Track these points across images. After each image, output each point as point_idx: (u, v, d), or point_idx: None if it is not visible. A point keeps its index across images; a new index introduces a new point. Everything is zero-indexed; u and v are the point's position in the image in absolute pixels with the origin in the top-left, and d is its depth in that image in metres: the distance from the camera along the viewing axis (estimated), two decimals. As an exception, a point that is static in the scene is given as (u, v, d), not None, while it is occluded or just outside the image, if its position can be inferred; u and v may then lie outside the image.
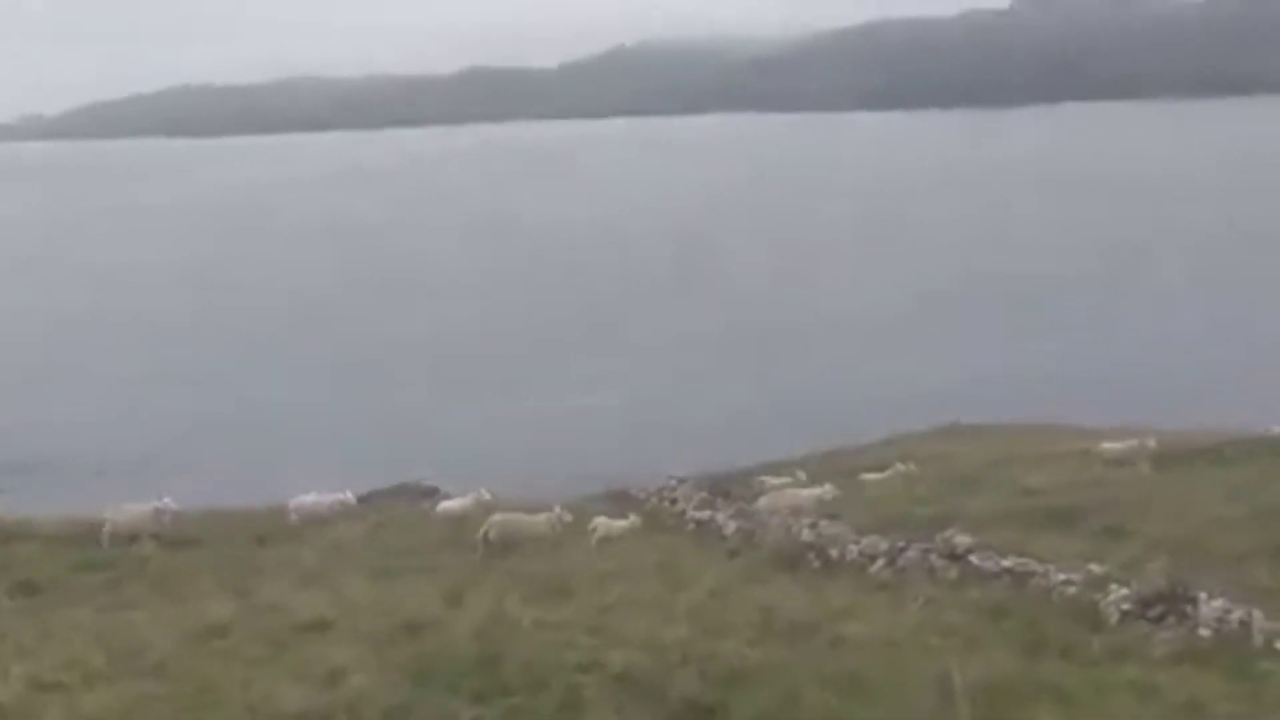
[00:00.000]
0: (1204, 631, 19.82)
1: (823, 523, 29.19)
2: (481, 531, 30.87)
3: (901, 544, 26.49)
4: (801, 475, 40.15)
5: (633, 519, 32.65)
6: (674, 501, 35.95)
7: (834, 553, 27.25)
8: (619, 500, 37.30)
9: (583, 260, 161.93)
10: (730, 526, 31.35)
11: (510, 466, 59.36)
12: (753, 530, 30.42)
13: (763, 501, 34.43)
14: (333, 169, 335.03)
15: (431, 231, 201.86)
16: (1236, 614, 19.79)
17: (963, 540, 25.49)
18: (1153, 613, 20.69)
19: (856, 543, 27.31)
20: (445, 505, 35.03)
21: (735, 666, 19.33)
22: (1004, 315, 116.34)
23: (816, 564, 27.03)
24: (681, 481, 38.29)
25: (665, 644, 20.39)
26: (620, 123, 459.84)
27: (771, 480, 39.43)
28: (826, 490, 34.41)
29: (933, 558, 25.51)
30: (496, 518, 31.61)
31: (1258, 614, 19.65)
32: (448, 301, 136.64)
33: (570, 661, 19.71)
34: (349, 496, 36.43)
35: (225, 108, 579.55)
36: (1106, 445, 39.67)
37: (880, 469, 41.17)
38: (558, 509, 32.56)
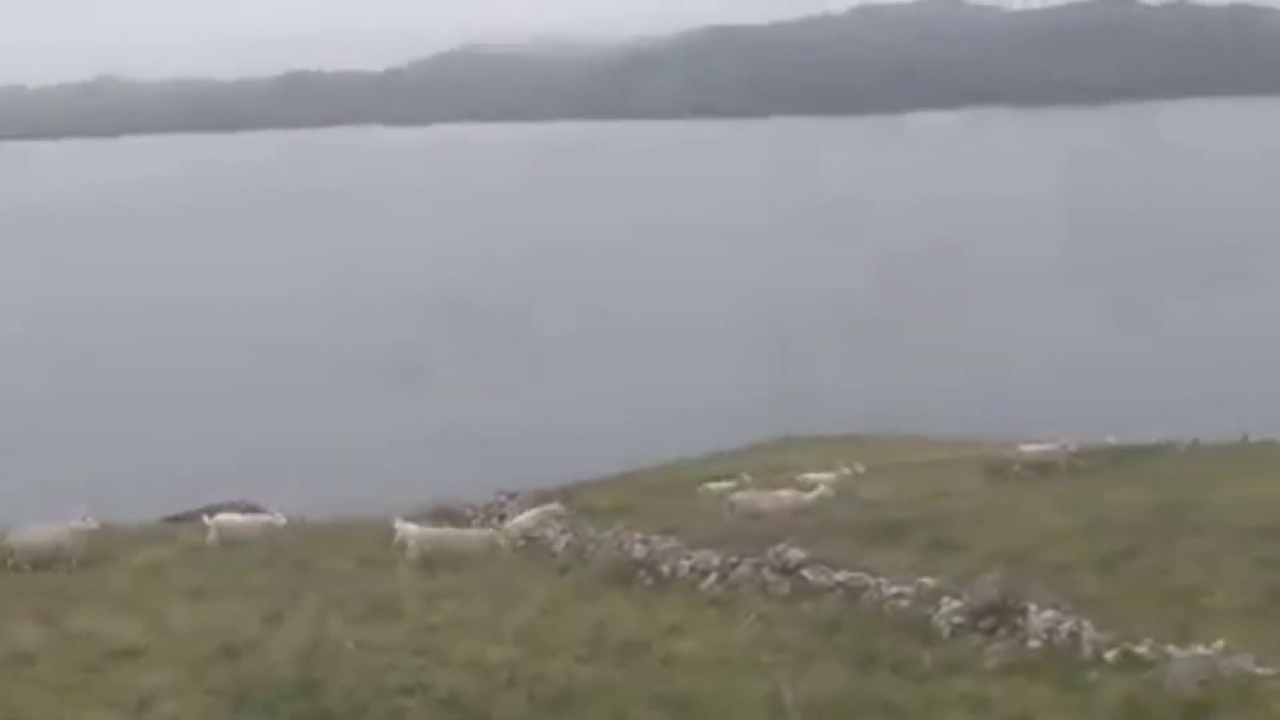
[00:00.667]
0: (1034, 643, 19.80)
1: (654, 538, 28.82)
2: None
3: (734, 559, 26.20)
4: (747, 478, 39.19)
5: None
6: (503, 518, 35.35)
7: (666, 568, 26.88)
8: (446, 517, 36.58)
9: (370, 283, 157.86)
10: (560, 543, 30.87)
11: (330, 483, 58.48)
12: (583, 546, 29.96)
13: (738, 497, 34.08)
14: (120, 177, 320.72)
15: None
16: (1066, 625, 19.80)
17: (795, 554, 25.27)
18: (984, 625, 20.64)
19: (688, 558, 26.96)
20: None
21: (564, 687, 18.96)
22: (831, 328, 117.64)
23: (648, 580, 26.64)
24: (511, 497, 37.69)
25: (492, 665, 19.95)
26: (445, 129, 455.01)
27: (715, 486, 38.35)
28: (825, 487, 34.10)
29: (765, 572, 25.26)
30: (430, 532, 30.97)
31: (1087, 624, 19.69)
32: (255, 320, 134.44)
33: (393, 684, 19.18)
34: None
35: (41, 111, 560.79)
36: (1026, 448, 40.17)
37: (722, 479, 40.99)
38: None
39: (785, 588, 24.51)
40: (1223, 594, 21.90)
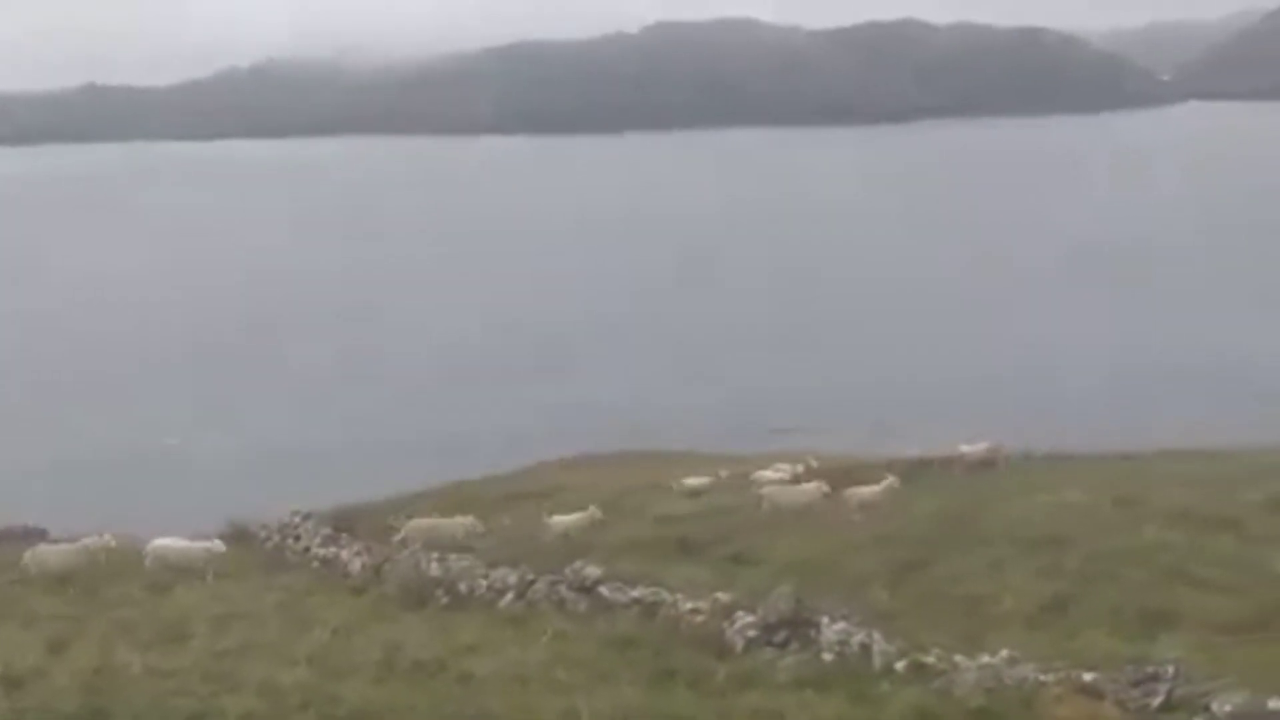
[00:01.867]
0: (827, 655, 20.04)
1: (451, 557, 28.63)
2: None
3: (531, 577, 26.14)
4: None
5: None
6: (297, 538, 34.80)
7: (463, 587, 26.73)
8: (239, 539, 35.88)
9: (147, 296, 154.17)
10: (356, 563, 30.48)
11: (120, 504, 57.09)
12: (379, 566, 29.62)
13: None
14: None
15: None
16: (858, 637, 20.07)
17: (592, 571, 25.28)
18: (778, 638, 20.84)
19: (486, 576, 26.84)
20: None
21: (357, 708, 18.71)
22: (623, 345, 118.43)
23: (445, 599, 26.45)
24: (306, 517, 37.09)
25: (284, 688, 19.58)
26: (232, 145, 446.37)
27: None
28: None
29: (563, 589, 25.24)
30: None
31: (878, 636, 19.98)
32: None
33: (183, 710, 18.77)
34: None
35: None
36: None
37: (512, 501, 40.98)
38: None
39: (583, 605, 24.51)
40: (1008, 602, 22.43)
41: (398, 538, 33.21)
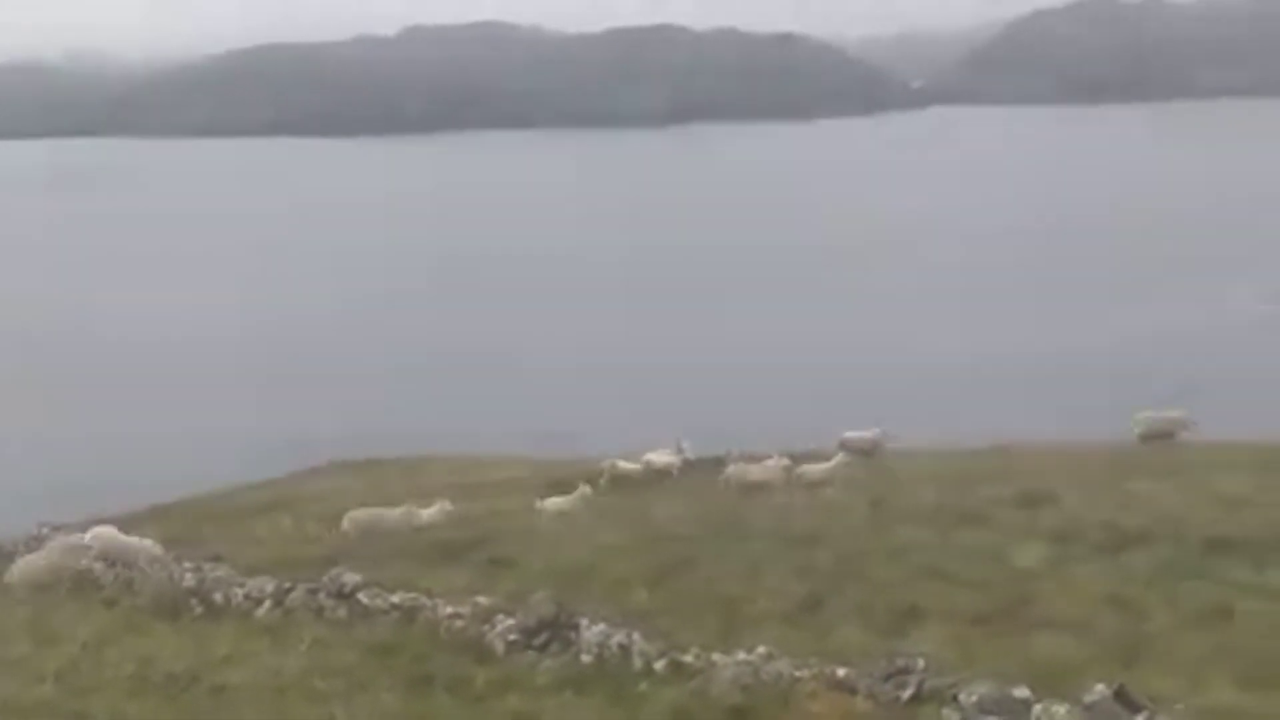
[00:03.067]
0: (586, 657, 20.11)
1: (205, 566, 27.99)
2: None
3: (288, 585, 25.69)
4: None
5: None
6: (45, 551, 33.61)
7: (218, 597, 26.14)
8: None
9: None
10: (108, 575, 29.57)
11: None
12: (132, 578, 28.79)
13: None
14: None
15: None
16: (617, 638, 20.19)
17: (351, 578, 24.94)
18: (538, 641, 20.84)
19: (242, 585, 26.29)
20: None
21: (106, 725, 18.17)
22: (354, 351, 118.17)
23: (200, 610, 25.84)
24: (55, 529, 35.91)
25: (29, 706, 18.96)
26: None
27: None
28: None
29: (321, 597, 24.85)
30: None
31: (637, 636, 20.12)
32: None
33: (-82, 734, 18.00)
34: None
35: None
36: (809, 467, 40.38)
37: (266, 511, 40.26)
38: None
39: (341, 612, 24.17)
40: (764, 601, 22.77)
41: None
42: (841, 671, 18.18)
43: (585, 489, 35.31)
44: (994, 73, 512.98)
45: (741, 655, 19.08)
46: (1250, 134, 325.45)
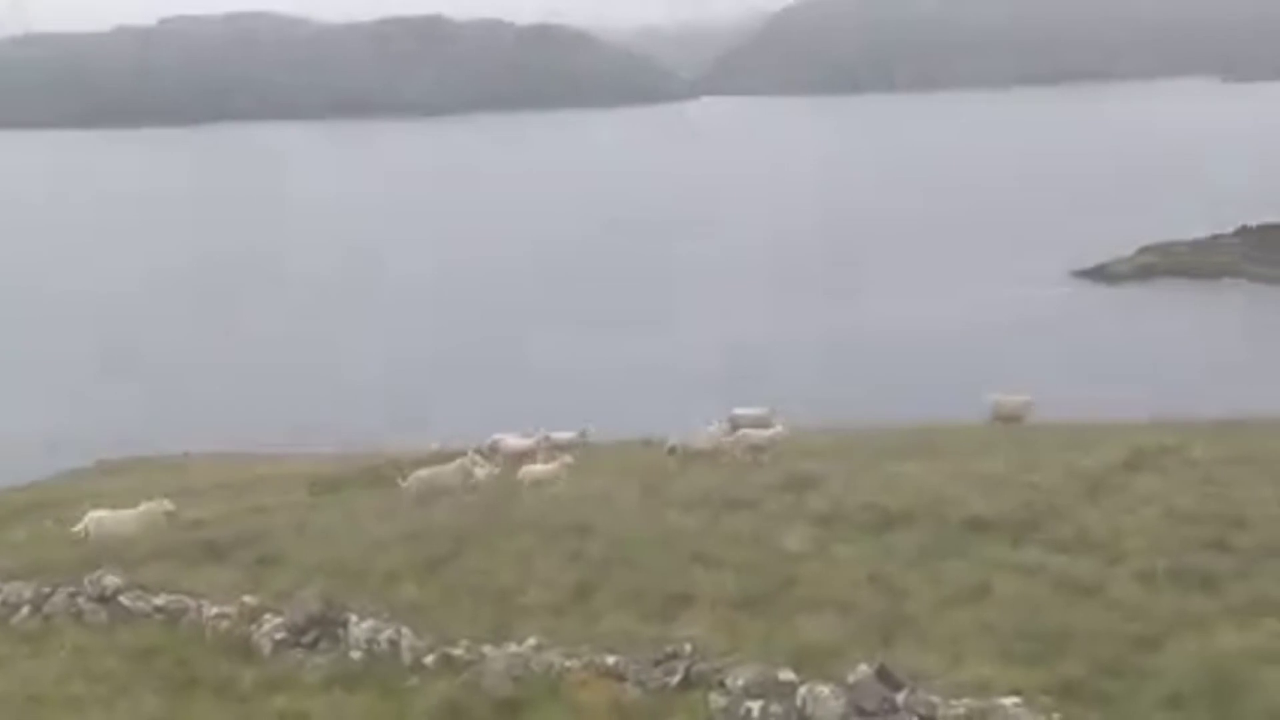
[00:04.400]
0: (355, 654, 19.94)
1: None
2: None
3: (48, 589, 24.92)
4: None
5: None
6: None
7: (-28, 605, 25.23)
8: None
9: None
10: None
11: None
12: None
13: None
14: None
15: None
16: (386, 633, 20.04)
17: (112, 581, 24.30)
18: (306, 639, 20.57)
19: (-1, 592, 25.44)
20: None
21: None
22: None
23: (-47, 619, 24.92)
24: None
25: None
26: None
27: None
28: None
29: (81, 601, 24.16)
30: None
31: (406, 631, 20.00)
32: None
33: None
34: None
35: None
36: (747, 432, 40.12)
37: (26, 513, 39.01)
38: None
39: (103, 616, 23.55)
40: (535, 591, 22.80)
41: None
42: (611, 659, 18.30)
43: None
44: (759, 64, 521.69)
45: (512, 647, 19.10)
46: (1003, 122, 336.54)
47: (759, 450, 37.23)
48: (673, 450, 38.75)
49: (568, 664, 18.39)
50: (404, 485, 34.85)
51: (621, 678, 17.91)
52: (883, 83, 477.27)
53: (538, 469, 35.81)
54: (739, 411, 44.99)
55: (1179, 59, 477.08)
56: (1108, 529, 23.79)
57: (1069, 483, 27.89)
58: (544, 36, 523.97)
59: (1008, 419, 45.00)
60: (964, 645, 18.64)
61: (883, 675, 16.26)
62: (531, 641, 19.13)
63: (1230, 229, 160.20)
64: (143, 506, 32.10)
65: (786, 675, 16.83)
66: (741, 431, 39.14)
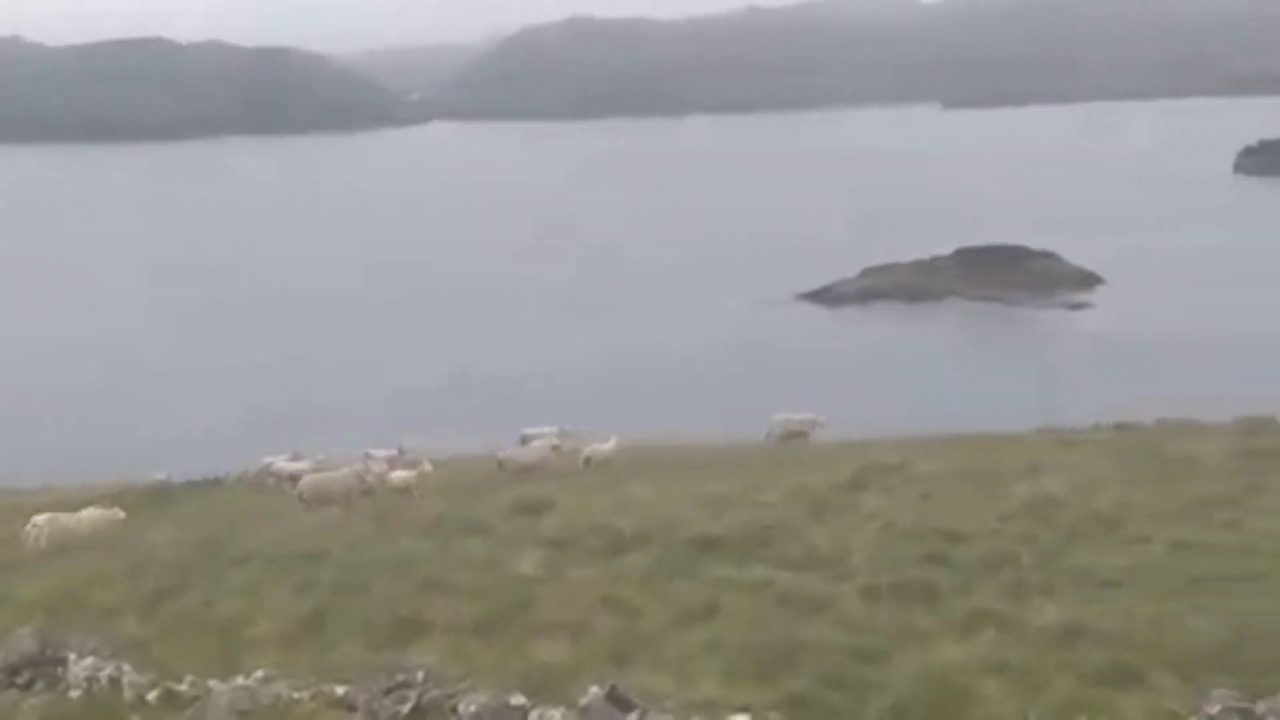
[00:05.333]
0: (75, 692, 19.22)
1: None
2: None
3: None
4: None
5: None
6: None
7: None
8: None
9: None
10: None
11: None
12: None
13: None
14: None
15: None
16: (107, 670, 19.37)
17: None
18: (21, 679, 19.76)
19: None
20: None
21: None
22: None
23: None
24: None
25: None
26: None
27: None
28: None
29: None
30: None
31: (127, 668, 19.36)
32: None
33: None
34: None
35: None
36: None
37: None
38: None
39: None
40: (264, 622, 22.32)
41: None
42: (341, 689, 18.01)
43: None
44: (489, 88, 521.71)
45: (239, 680, 18.63)
46: (734, 145, 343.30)
47: (590, 463, 38.82)
48: (501, 464, 39.95)
49: (296, 695, 18.02)
50: (294, 491, 35.45)
51: (352, 708, 17.64)
52: (620, 107, 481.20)
53: (397, 475, 36.24)
54: (529, 431, 46.16)
55: (901, 86, 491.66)
56: (834, 546, 24.37)
57: (796, 502, 28.50)
58: (272, 60, 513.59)
59: (792, 436, 46.00)
60: (694, 664, 18.86)
61: (613, 697, 16.33)
62: (259, 674, 18.70)
63: (948, 250, 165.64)
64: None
65: (518, 700, 16.79)
66: (577, 446, 40.79)
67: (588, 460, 39.59)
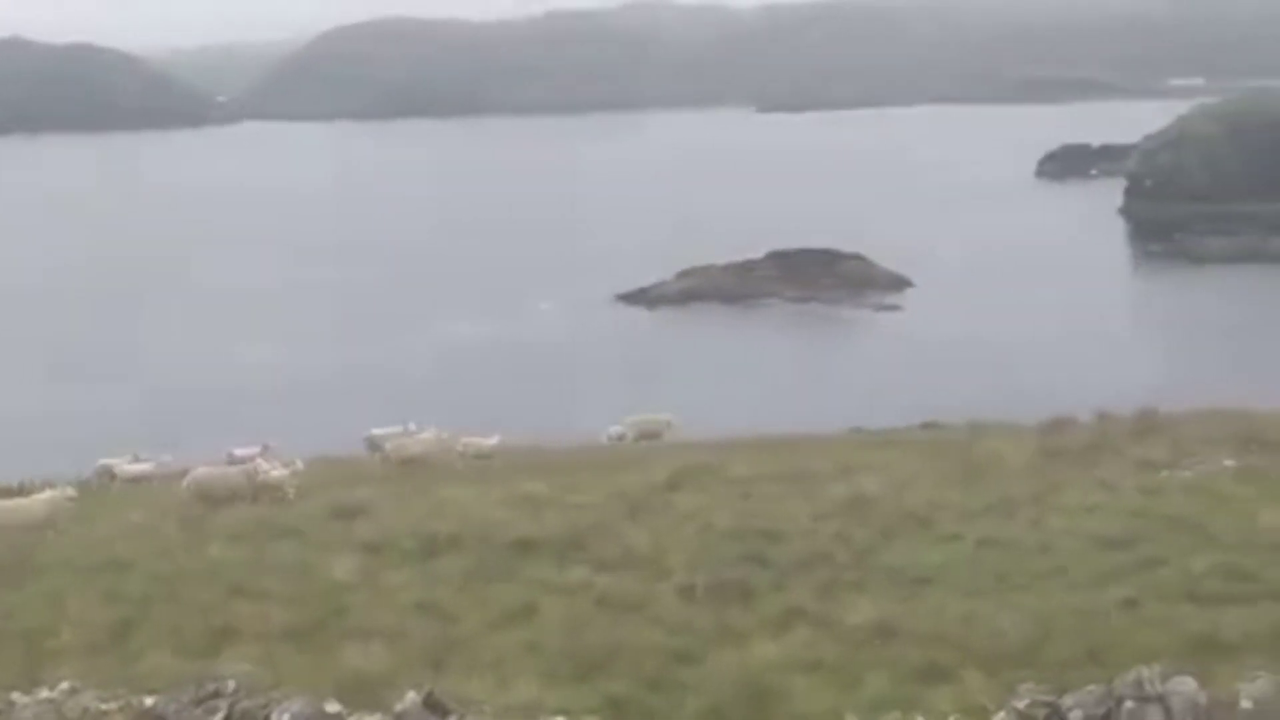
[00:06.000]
0: None
1: None
2: None
3: None
4: None
5: None
6: None
7: None
8: None
9: None
10: None
11: None
12: None
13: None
14: None
15: None
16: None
17: None
18: None
19: None
20: None
21: None
22: None
23: None
24: None
25: None
26: None
27: None
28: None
29: None
30: None
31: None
32: None
33: None
34: None
35: None
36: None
37: None
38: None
39: None
40: (69, 632, 21.71)
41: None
42: (150, 700, 17.61)
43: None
44: (299, 89, 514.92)
45: (44, 692, 18.11)
46: (548, 147, 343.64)
47: (484, 458, 39.18)
48: (385, 457, 39.78)
49: (104, 707, 17.58)
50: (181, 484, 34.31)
51: (161, 718, 17.24)
52: (431, 109, 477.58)
53: (276, 473, 34.73)
54: (376, 432, 45.73)
55: (713, 90, 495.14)
56: (651, 546, 24.47)
57: (612, 502, 28.57)
58: (75, 57, 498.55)
59: (648, 436, 46.21)
60: (512, 667, 18.80)
61: (430, 703, 16.20)
62: (64, 685, 18.19)
63: (762, 253, 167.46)
64: None
65: (333, 708, 16.57)
66: (465, 440, 40.47)
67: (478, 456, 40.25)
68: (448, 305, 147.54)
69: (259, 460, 36.98)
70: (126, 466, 42.59)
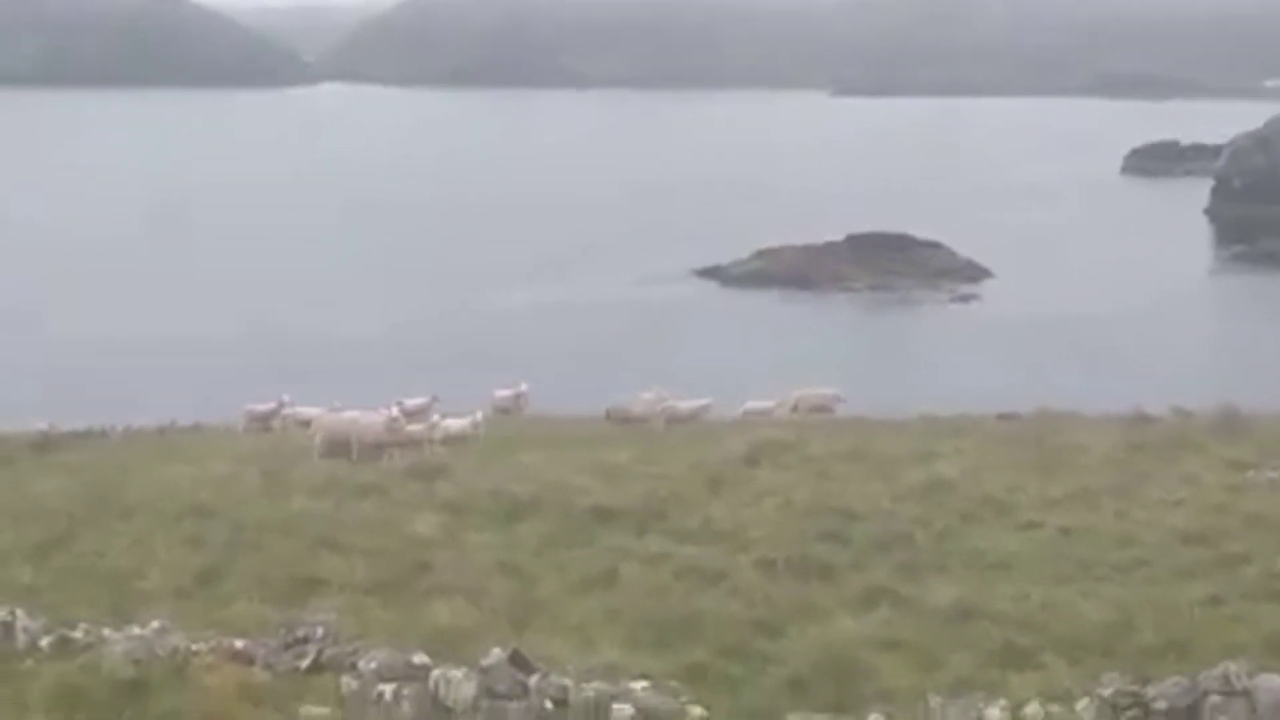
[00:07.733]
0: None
1: None
2: None
3: None
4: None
5: None
6: None
7: None
8: None
9: None
10: None
11: None
12: None
13: None
14: None
15: None
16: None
17: None
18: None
19: None
20: None
21: None
22: None
23: None
24: None
25: None
26: None
27: None
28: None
29: None
30: None
31: (20, 613, 19.08)
32: None
33: None
34: None
35: None
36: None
37: None
38: None
39: None
40: (157, 575, 22.12)
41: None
42: (239, 643, 17.91)
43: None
44: (382, 52, 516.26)
45: (135, 630, 18.43)
46: (622, 122, 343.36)
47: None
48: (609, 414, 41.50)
49: (194, 647, 17.87)
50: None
51: (250, 661, 17.55)
52: (511, 78, 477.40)
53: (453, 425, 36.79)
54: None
55: (789, 71, 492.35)
56: (730, 520, 24.60)
57: (692, 475, 28.74)
58: (159, 7, 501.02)
59: (816, 410, 45.73)
60: (593, 631, 19.00)
61: (515, 660, 16.38)
62: (155, 624, 18.50)
63: (841, 236, 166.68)
64: None
65: (420, 659, 16.77)
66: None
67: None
68: (529, 275, 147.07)
69: (433, 414, 37.78)
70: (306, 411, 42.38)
